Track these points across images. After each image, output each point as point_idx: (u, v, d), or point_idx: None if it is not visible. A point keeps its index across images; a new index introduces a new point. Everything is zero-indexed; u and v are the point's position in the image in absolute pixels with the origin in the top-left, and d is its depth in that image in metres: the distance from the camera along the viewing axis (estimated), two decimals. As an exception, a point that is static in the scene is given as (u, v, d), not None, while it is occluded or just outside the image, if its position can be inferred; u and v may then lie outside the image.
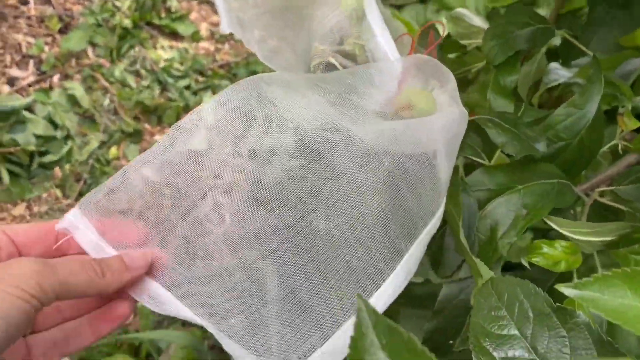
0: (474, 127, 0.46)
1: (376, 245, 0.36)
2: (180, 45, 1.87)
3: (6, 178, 1.43)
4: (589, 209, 0.51)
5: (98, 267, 0.32)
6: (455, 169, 0.42)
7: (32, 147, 1.45)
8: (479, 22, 0.59)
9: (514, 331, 0.30)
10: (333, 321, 0.34)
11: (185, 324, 1.19)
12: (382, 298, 0.35)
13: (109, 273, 0.32)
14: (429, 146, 0.39)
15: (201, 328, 0.33)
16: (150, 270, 0.34)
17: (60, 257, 0.33)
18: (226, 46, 1.94)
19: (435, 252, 0.47)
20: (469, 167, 0.49)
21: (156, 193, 0.34)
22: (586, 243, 0.44)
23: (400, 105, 0.42)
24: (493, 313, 0.31)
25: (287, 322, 0.34)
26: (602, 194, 0.51)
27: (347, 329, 0.34)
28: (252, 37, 0.46)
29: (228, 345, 0.33)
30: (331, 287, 0.35)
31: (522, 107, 0.49)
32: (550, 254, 0.44)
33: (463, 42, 0.58)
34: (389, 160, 0.37)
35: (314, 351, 0.33)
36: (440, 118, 0.40)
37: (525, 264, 0.45)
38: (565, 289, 0.23)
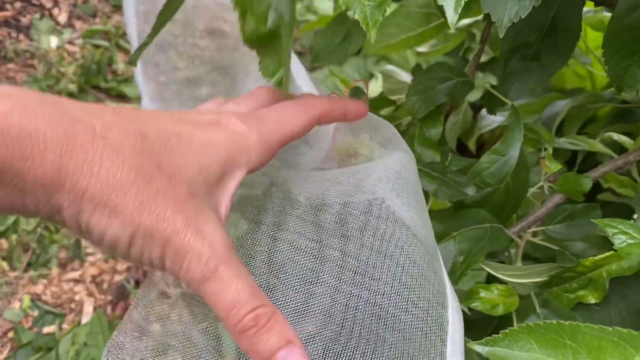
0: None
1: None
2: (129, 106, 1.87)
3: (-52, 254, 1.37)
4: (524, 249, 0.53)
5: None
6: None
7: (-25, 220, 1.41)
8: (407, 77, 0.62)
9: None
10: None
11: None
12: None
13: None
14: (378, 192, 0.38)
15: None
16: None
17: None
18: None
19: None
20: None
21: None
22: (521, 285, 0.46)
23: (344, 154, 0.43)
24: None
25: None
26: (534, 234, 0.54)
27: None
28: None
29: None
30: None
31: (449, 156, 0.51)
32: (487, 298, 0.45)
33: (393, 97, 0.60)
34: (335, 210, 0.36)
35: None
36: (381, 164, 0.39)
37: (465, 309, 0.46)
38: (477, 347, 0.24)
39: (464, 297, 0.49)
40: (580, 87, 0.87)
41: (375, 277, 0.30)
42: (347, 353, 0.28)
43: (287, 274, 0.31)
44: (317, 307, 0.29)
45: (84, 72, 1.83)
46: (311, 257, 0.31)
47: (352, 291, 0.30)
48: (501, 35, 0.32)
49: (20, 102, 0.21)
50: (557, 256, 0.50)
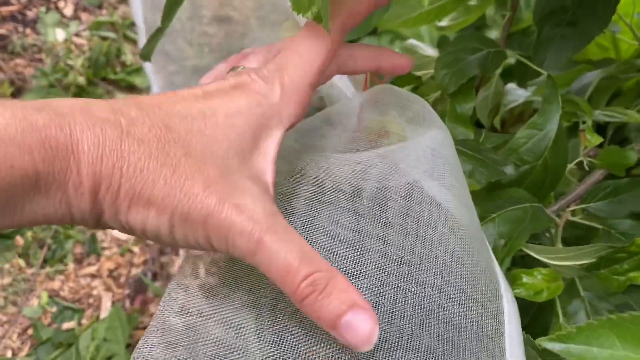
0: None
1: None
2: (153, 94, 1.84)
3: (-36, 253, 1.36)
4: (563, 229, 0.49)
5: None
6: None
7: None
8: (431, 52, 0.59)
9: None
10: None
11: None
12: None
13: None
14: (411, 175, 0.34)
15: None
16: None
17: None
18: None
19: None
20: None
21: None
22: (566, 268, 0.43)
23: (375, 133, 0.40)
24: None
25: None
26: (574, 213, 0.50)
27: None
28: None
29: None
30: None
31: (483, 133, 0.47)
32: (530, 284, 0.42)
33: (417, 73, 0.57)
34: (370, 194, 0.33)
35: None
36: (416, 143, 0.35)
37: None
38: (548, 344, 0.21)
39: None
40: (608, 57, 0.83)
41: (423, 268, 0.27)
42: (398, 353, 0.25)
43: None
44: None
45: (92, 64, 1.81)
46: (351, 247, 0.28)
47: (400, 284, 0.27)
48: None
49: (56, 114, 0.22)
50: (602, 236, 0.46)
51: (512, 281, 0.42)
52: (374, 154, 0.33)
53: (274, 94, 0.27)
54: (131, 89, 1.85)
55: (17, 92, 1.72)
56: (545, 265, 0.44)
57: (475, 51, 0.47)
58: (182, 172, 0.24)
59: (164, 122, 0.24)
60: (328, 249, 0.28)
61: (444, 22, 0.71)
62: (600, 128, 0.69)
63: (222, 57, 0.65)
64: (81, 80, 1.75)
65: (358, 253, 0.27)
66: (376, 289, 0.26)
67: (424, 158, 0.34)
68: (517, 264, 0.50)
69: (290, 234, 0.24)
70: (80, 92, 1.75)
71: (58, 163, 0.21)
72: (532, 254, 0.43)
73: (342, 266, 0.27)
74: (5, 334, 1.30)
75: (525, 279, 0.42)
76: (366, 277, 0.27)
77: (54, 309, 1.35)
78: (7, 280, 1.37)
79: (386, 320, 0.26)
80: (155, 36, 0.42)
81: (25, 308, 1.34)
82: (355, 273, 0.27)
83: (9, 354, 1.27)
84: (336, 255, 0.27)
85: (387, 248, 0.28)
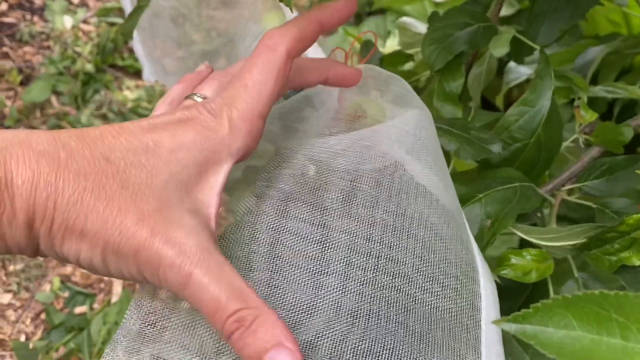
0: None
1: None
2: (146, 83, 1.85)
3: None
4: (558, 209, 0.48)
5: None
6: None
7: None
8: (424, 29, 0.57)
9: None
10: None
11: None
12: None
13: None
14: (392, 156, 0.33)
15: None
16: None
17: None
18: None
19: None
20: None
21: None
22: (556, 248, 0.42)
23: (351, 115, 0.39)
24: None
25: None
26: (569, 192, 0.49)
27: None
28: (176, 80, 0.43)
29: None
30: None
31: (472, 111, 0.46)
32: (519, 264, 0.41)
33: (410, 51, 0.55)
34: (349, 177, 0.32)
35: None
36: (393, 125, 0.35)
37: (495, 277, 0.42)
38: (504, 325, 0.20)
39: (494, 265, 0.45)
40: (615, 32, 0.80)
41: (393, 258, 0.27)
42: (364, 347, 0.24)
43: (290, 265, 0.27)
44: (325, 300, 0.26)
45: (100, 51, 1.81)
46: (315, 243, 0.27)
47: (366, 277, 0.26)
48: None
49: None
50: (596, 215, 0.45)
51: (500, 262, 0.41)
52: (348, 137, 0.32)
53: (222, 128, 0.27)
54: (139, 74, 1.85)
55: (26, 80, 1.73)
56: (537, 247, 0.43)
57: (464, 26, 0.45)
58: (115, 205, 0.24)
59: (104, 155, 0.25)
60: (293, 246, 0.27)
61: (440, -1, 0.70)
62: (609, 107, 0.67)
63: (229, 41, 0.64)
64: (89, 67, 1.76)
65: (322, 249, 0.27)
66: (340, 284, 0.26)
67: (399, 141, 0.33)
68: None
69: (222, 269, 0.24)
70: (88, 79, 1.75)
71: None
72: (520, 234, 0.41)
73: (305, 265, 0.26)
74: (18, 319, 1.32)
75: (513, 259, 0.41)
76: (329, 274, 0.26)
77: (66, 294, 1.37)
78: (19, 266, 1.40)
79: (351, 314, 0.25)
80: (135, 13, 0.42)
81: (38, 293, 1.36)
82: (318, 270, 0.26)
83: (22, 338, 1.30)
84: (301, 252, 0.27)
85: (354, 240, 0.27)
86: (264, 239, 0.28)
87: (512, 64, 0.73)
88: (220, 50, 0.71)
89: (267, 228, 0.28)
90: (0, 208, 0.22)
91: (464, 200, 0.42)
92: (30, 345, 1.28)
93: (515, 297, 0.47)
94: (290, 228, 0.28)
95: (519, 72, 0.73)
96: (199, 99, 0.31)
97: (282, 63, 0.29)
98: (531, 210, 0.43)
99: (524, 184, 0.44)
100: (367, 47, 0.48)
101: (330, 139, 0.33)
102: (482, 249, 0.42)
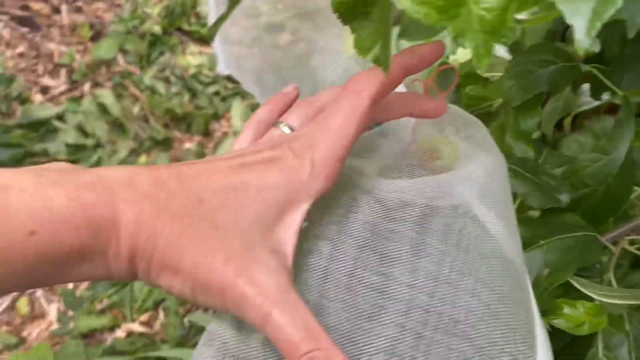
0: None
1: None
2: (209, 50, 1.87)
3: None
4: (618, 258, 0.47)
5: None
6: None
7: (62, 156, 1.47)
8: (502, 52, 0.56)
9: None
10: None
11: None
12: None
13: None
14: (463, 209, 0.32)
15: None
16: None
17: None
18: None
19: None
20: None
21: None
22: (613, 305, 0.41)
23: (425, 153, 0.39)
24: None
25: None
26: (632, 242, 0.48)
27: None
28: (249, 78, 0.44)
29: None
30: None
31: (544, 151, 0.45)
32: (572, 316, 0.41)
33: (487, 74, 0.54)
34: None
35: None
36: (467, 172, 0.34)
37: (545, 325, 0.42)
38: None
39: (544, 312, 0.45)
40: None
41: (454, 317, 0.27)
42: None
43: (344, 304, 0.28)
44: (377, 344, 0.27)
45: (169, 14, 1.84)
46: (374, 291, 0.28)
47: (424, 333, 0.27)
48: (630, 36, 0.26)
49: (104, 190, 0.25)
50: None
51: (553, 311, 0.41)
52: (420, 185, 0.32)
53: (304, 170, 0.29)
54: (203, 41, 1.87)
55: (96, 36, 1.78)
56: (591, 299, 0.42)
57: (547, 64, 0.44)
58: (207, 245, 0.26)
59: (198, 195, 0.27)
60: (350, 288, 0.28)
61: (523, 15, 0.68)
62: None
63: (295, 16, 0.65)
64: (157, 29, 1.79)
65: (381, 297, 0.28)
66: (396, 335, 0.27)
67: (476, 187, 0.33)
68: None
69: (298, 310, 0.26)
70: (155, 40, 1.79)
71: (101, 236, 0.25)
72: (578, 286, 0.41)
73: (362, 311, 0.27)
74: (69, 267, 1.39)
75: (566, 309, 0.41)
76: (383, 324, 0.27)
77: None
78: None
79: None
80: (220, 21, 0.43)
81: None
82: (372, 314, 0.27)
83: (70, 285, 1.37)
84: (358, 295, 0.28)
85: (413, 293, 0.28)
86: (333, 286, 0.29)
87: (584, 86, 0.71)
88: (285, 23, 0.71)
89: (340, 274, 0.29)
90: (108, 246, 0.25)
91: (525, 244, 0.42)
92: (77, 294, 1.35)
93: (556, 339, 0.47)
94: (361, 277, 0.29)
95: (590, 98, 0.71)
96: (286, 129, 0.32)
97: (366, 108, 0.30)
98: (591, 264, 0.43)
99: (588, 233, 0.43)
100: (446, 75, 0.47)
101: (402, 182, 0.33)
102: (536, 297, 0.42)
